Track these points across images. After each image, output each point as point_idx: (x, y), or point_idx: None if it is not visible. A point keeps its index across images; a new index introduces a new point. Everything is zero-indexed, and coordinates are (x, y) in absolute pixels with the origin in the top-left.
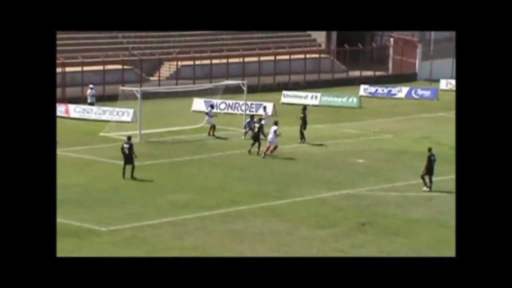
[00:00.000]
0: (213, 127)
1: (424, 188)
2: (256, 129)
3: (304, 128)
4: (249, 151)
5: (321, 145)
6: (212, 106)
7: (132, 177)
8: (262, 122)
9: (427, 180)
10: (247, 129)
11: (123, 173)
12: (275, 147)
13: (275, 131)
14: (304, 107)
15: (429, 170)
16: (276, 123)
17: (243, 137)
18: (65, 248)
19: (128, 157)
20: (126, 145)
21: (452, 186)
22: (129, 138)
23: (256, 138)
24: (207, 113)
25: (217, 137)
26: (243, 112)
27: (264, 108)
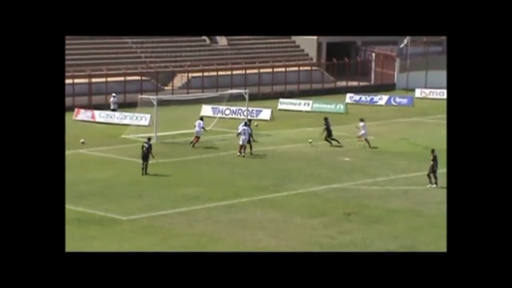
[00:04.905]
0: (197, 138)
1: (428, 186)
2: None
3: (329, 136)
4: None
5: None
6: (201, 119)
7: (146, 173)
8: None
9: (432, 177)
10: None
11: (142, 169)
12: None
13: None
14: (326, 118)
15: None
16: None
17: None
18: (90, 234)
19: (146, 155)
20: (146, 145)
21: (425, 181)
22: (149, 139)
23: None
24: (202, 126)
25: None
26: (245, 117)
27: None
